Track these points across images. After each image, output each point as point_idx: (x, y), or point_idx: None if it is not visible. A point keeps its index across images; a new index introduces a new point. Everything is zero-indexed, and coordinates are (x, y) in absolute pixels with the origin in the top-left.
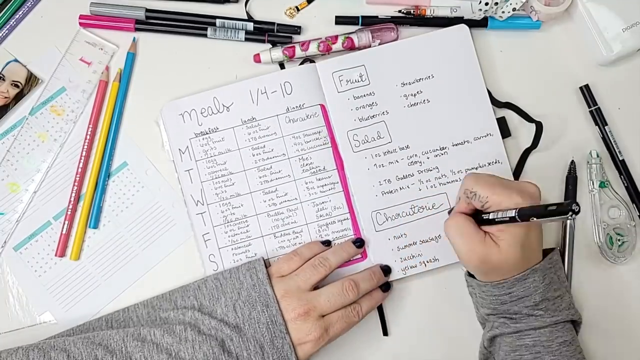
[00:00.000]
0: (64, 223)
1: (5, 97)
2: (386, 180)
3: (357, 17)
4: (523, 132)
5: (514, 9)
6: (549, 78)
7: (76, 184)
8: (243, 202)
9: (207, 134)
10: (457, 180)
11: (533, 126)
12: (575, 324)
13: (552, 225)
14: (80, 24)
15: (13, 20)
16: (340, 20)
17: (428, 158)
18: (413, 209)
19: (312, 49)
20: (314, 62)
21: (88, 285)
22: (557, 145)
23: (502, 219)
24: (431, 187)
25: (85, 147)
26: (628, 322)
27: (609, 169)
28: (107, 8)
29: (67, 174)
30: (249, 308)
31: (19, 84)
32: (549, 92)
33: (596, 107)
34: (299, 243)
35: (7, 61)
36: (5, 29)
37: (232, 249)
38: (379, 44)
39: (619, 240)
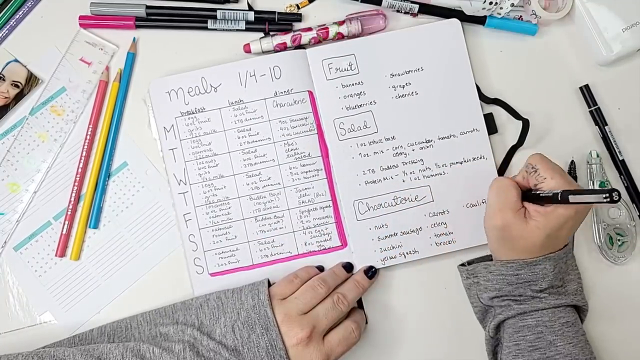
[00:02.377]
0: (64, 223)
1: (6, 97)
2: (370, 170)
3: None
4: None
5: (512, 4)
6: (549, 78)
7: (76, 184)
8: (226, 183)
9: (193, 113)
10: (441, 174)
11: (521, 124)
12: (580, 310)
13: None
14: (81, 24)
15: (13, 21)
16: None
17: (413, 150)
18: (396, 200)
19: (303, 42)
20: (304, 48)
21: (88, 286)
22: (557, 145)
23: (545, 195)
24: (415, 179)
25: (86, 147)
26: (628, 322)
27: (609, 169)
28: (107, 7)
29: (67, 174)
30: (247, 330)
31: (19, 84)
32: (548, 92)
33: (596, 107)
34: (280, 228)
35: (7, 61)
36: (6, 29)
37: (213, 230)
38: (369, 34)
39: (619, 240)
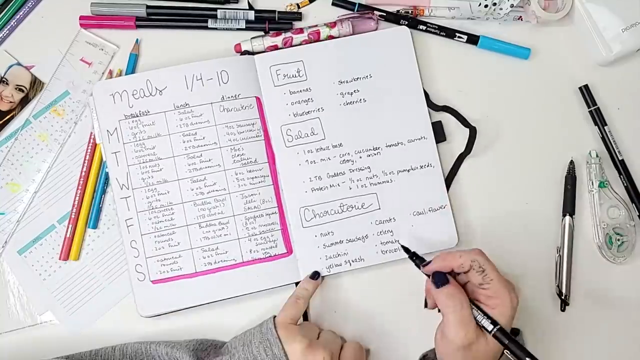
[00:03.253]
0: (68, 227)
1: (11, 102)
2: (317, 177)
3: (354, 3)
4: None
5: (512, 5)
6: (549, 78)
7: (80, 187)
8: (170, 189)
9: (137, 116)
10: (388, 181)
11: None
12: None
13: (552, 226)
14: (81, 24)
15: (14, 21)
16: (336, 3)
17: (360, 157)
18: (342, 208)
19: (295, 44)
20: (253, 54)
21: (93, 288)
22: (556, 145)
23: (488, 324)
24: (362, 186)
25: (89, 151)
26: (628, 322)
27: (609, 169)
28: (107, 7)
29: (70, 177)
30: None
31: (23, 88)
32: (548, 92)
33: (596, 107)
34: (225, 235)
35: (9, 65)
36: (6, 29)
37: (155, 236)
38: (360, 34)
39: (618, 240)
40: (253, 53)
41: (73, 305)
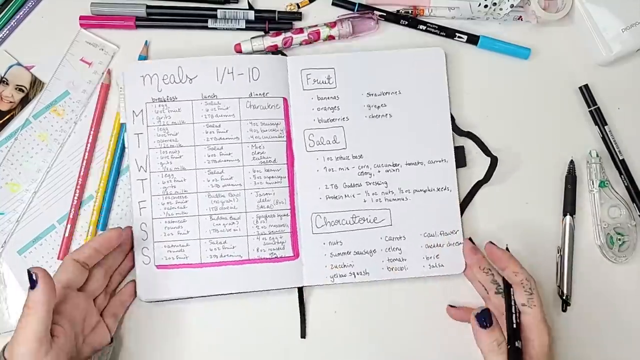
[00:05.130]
0: (66, 226)
1: (11, 102)
2: (333, 185)
3: (354, 3)
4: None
5: (512, 5)
6: (549, 78)
7: (78, 187)
8: (186, 177)
9: (164, 101)
10: (403, 199)
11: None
12: None
13: (552, 226)
14: (81, 24)
15: (14, 21)
16: (336, 3)
17: (379, 171)
18: (354, 219)
19: (294, 45)
20: (285, 55)
21: None
22: (556, 145)
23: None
24: (376, 200)
25: (87, 152)
26: (628, 322)
27: (609, 169)
28: (107, 7)
29: (69, 177)
30: None
31: (23, 88)
32: (548, 92)
33: (596, 107)
34: (234, 230)
35: (9, 65)
36: (6, 29)
37: (166, 221)
38: (360, 34)
39: (619, 239)
40: (257, 53)
41: None
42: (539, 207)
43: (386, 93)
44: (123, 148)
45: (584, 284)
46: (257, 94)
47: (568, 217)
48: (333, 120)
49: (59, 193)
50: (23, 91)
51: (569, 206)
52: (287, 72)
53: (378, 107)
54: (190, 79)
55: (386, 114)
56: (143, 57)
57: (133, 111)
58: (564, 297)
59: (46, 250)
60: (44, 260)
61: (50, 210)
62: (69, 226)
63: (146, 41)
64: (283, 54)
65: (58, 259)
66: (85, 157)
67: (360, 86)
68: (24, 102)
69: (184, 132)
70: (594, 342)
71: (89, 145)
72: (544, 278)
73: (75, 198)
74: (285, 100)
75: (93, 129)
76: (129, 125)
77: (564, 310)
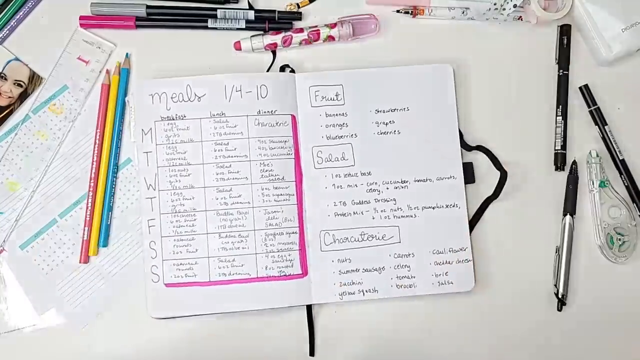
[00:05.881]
0: (84, 230)
1: (9, 97)
2: (341, 202)
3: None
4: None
5: (515, 5)
6: (549, 78)
7: (91, 189)
8: (195, 195)
9: (173, 119)
10: (411, 216)
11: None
12: None
13: (552, 226)
14: (81, 24)
15: (14, 21)
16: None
17: (387, 188)
18: (362, 236)
19: (294, 44)
20: (294, 71)
21: (95, 283)
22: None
23: None
24: (385, 217)
25: (96, 150)
26: (629, 322)
27: (609, 169)
28: (107, 7)
29: (69, 173)
30: None
31: (22, 83)
32: (548, 92)
33: (596, 107)
34: (243, 247)
35: (7, 60)
36: (6, 29)
37: (175, 240)
38: (360, 36)
39: (619, 239)
40: (257, 51)
41: (77, 299)
42: (539, 207)
43: (394, 109)
44: (118, 145)
45: (584, 283)
46: (265, 112)
47: (568, 217)
48: (341, 137)
49: (60, 187)
50: (22, 86)
51: (569, 206)
52: (295, 89)
53: (386, 123)
54: (199, 97)
55: (394, 131)
56: (125, 70)
57: (142, 129)
58: (560, 297)
59: (48, 245)
60: (47, 254)
61: (51, 205)
62: (86, 229)
63: (127, 53)
64: (292, 71)
65: (80, 262)
66: (95, 160)
67: (369, 103)
68: (23, 97)
69: (192, 150)
70: (593, 342)
71: (96, 147)
72: (542, 277)
73: (90, 201)
74: (293, 117)
75: (99, 130)
76: (137, 144)
77: (560, 309)
